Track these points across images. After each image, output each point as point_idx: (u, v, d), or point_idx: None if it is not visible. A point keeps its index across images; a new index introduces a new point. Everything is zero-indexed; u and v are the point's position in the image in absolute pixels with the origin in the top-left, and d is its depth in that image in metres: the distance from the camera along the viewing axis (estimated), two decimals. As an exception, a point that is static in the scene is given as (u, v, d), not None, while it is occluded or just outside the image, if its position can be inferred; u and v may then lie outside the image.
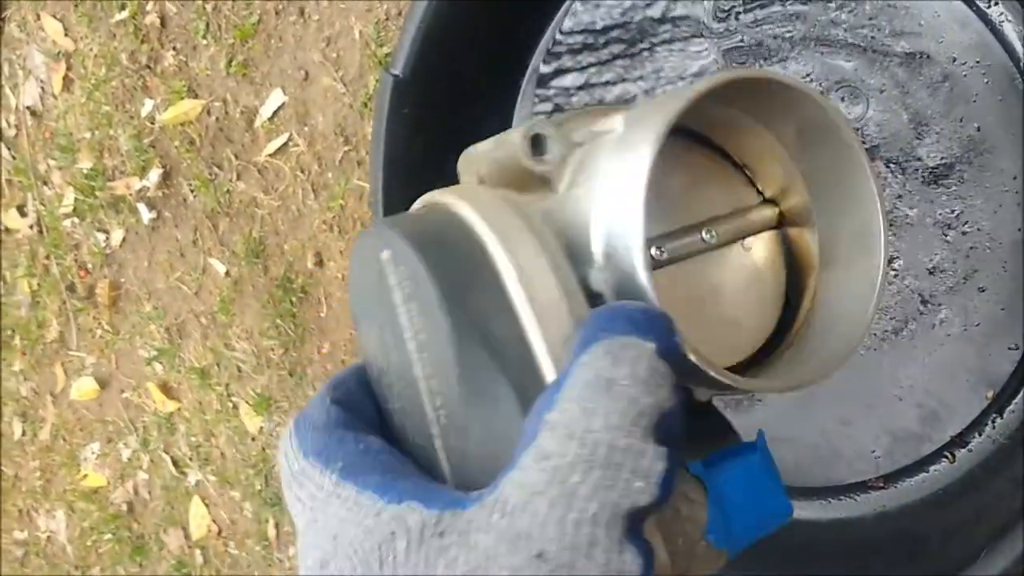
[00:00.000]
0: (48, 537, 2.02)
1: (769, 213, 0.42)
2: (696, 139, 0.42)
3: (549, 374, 0.31)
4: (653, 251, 0.38)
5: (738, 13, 0.86)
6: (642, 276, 0.33)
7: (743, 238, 0.41)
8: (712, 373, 0.33)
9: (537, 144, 0.37)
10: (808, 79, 0.84)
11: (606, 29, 0.91)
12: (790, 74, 0.84)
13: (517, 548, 0.25)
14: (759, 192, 0.43)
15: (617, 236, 0.34)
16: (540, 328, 0.31)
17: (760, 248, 0.42)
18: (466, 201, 0.34)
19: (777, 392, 0.36)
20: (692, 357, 0.32)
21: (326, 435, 0.32)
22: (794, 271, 0.42)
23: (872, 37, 0.82)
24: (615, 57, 0.90)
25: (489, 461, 0.30)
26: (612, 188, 0.35)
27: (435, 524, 0.27)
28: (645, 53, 0.89)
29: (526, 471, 0.26)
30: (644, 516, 0.27)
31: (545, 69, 0.93)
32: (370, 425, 0.34)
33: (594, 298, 0.34)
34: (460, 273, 0.32)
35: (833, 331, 0.39)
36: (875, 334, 0.82)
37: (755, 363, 0.41)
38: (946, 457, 0.80)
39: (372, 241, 0.34)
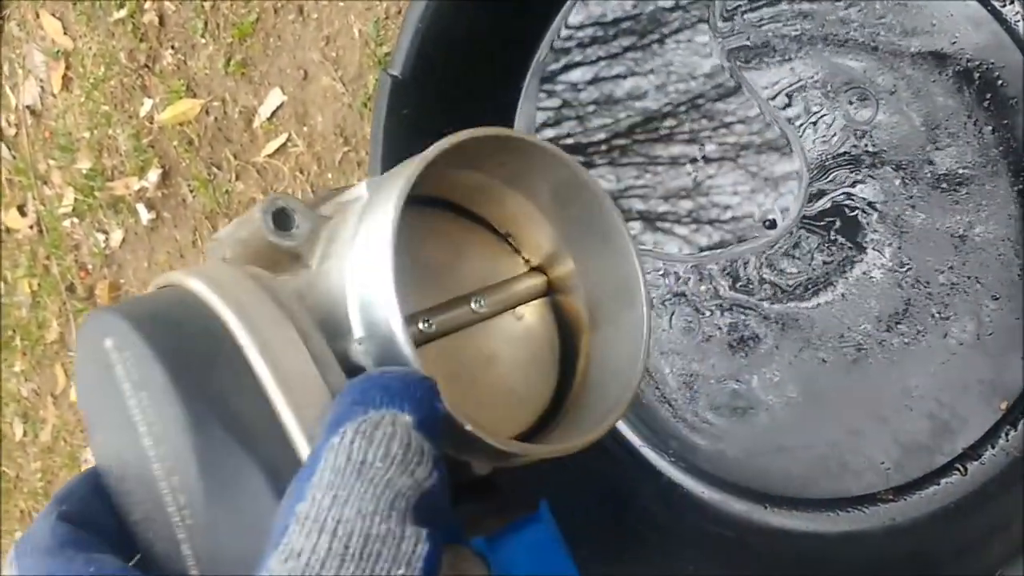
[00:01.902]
0: (49, 539, 2.01)
1: (537, 282, 0.42)
2: (457, 211, 0.42)
3: (304, 453, 0.28)
4: (421, 324, 0.37)
5: (744, 12, 0.84)
6: (401, 340, 0.31)
7: (514, 307, 0.41)
8: (487, 439, 0.32)
9: (280, 219, 0.36)
10: (816, 80, 0.82)
11: (616, 21, 0.89)
12: (796, 75, 0.82)
13: None
14: (526, 261, 0.43)
15: (374, 305, 0.32)
16: (290, 403, 0.29)
17: (532, 316, 0.42)
18: (199, 278, 0.32)
19: (554, 455, 0.35)
20: (468, 426, 0.31)
21: (50, 559, 0.28)
22: (567, 335, 0.42)
23: (882, 37, 0.80)
24: (625, 50, 0.88)
25: (243, 561, 0.27)
26: (361, 255, 0.33)
27: None
28: (655, 46, 0.87)
29: (273, 573, 0.24)
30: None
31: (553, 65, 0.91)
32: (106, 541, 0.30)
33: (356, 372, 0.32)
34: (194, 352, 0.29)
35: (608, 387, 0.39)
36: (884, 343, 0.80)
37: (539, 430, 0.40)
38: (958, 470, 0.77)
39: (93, 328, 0.31)
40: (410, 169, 0.34)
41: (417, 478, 0.26)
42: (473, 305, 0.39)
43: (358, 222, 0.34)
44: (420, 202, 0.38)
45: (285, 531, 0.24)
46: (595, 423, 0.37)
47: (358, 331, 0.33)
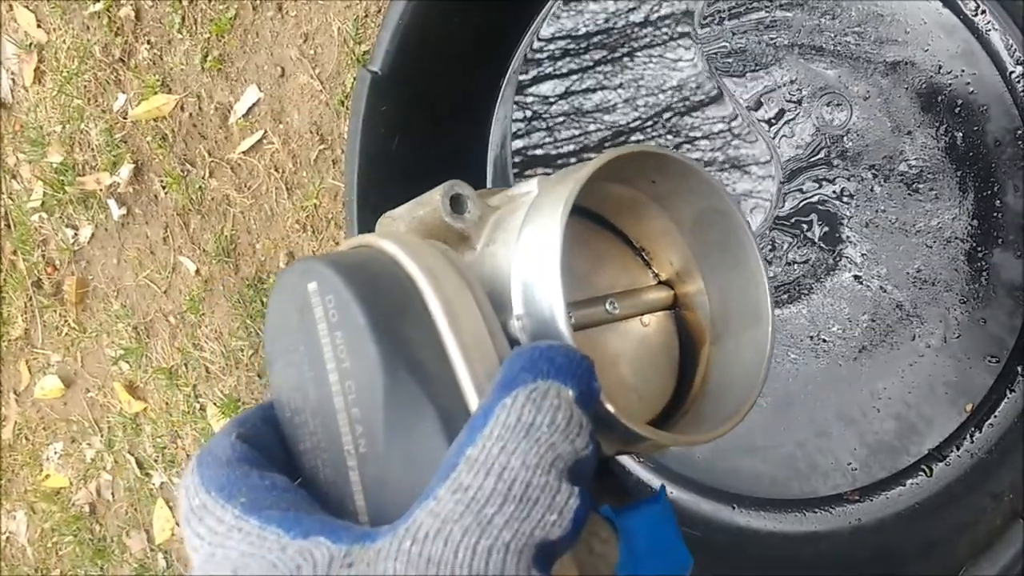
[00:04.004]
0: (8, 538, 1.98)
1: (664, 295, 0.45)
2: (598, 222, 0.45)
3: (474, 404, 0.31)
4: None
5: (723, 18, 0.85)
6: (561, 322, 0.34)
7: (641, 314, 0.44)
8: (624, 422, 0.34)
9: (456, 203, 0.40)
10: (792, 86, 0.83)
11: (588, 35, 0.89)
12: (775, 81, 0.83)
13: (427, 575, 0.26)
14: (655, 275, 0.46)
15: (536, 289, 0.36)
16: (465, 359, 0.32)
17: (656, 324, 0.45)
18: (393, 241, 0.36)
19: (683, 446, 0.38)
20: (609, 407, 0.34)
21: (229, 470, 0.31)
22: (688, 345, 0.45)
23: (857, 45, 0.81)
24: (596, 64, 0.89)
25: (407, 491, 0.30)
26: (530, 244, 0.37)
27: (344, 557, 0.27)
28: (626, 60, 0.88)
29: (442, 501, 0.27)
30: (554, 550, 0.28)
31: (524, 76, 0.91)
32: (276, 463, 0.34)
33: (512, 343, 0.36)
34: (388, 302, 0.33)
35: (729, 395, 0.42)
36: (854, 345, 0.81)
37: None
38: (923, 471, 0.78)
39: (297, 275, 0.35)
40: (580, 173, 0.37)
41: (576, 447, 0.29)
42: (607, 307, 0.42)
43: (527, 215, 0.38)
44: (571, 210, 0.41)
45: (455, 468, 0.28)
46: (717, 423, 0.39)
47: (518, 308, 0.36)
